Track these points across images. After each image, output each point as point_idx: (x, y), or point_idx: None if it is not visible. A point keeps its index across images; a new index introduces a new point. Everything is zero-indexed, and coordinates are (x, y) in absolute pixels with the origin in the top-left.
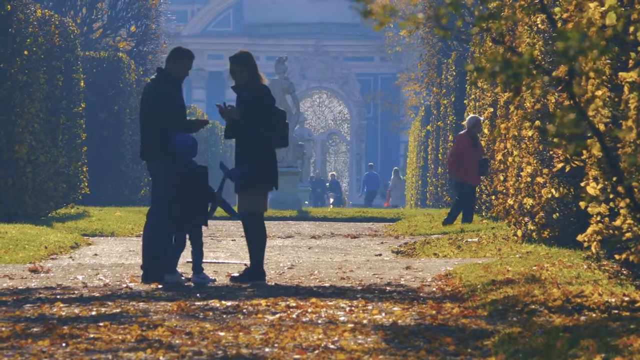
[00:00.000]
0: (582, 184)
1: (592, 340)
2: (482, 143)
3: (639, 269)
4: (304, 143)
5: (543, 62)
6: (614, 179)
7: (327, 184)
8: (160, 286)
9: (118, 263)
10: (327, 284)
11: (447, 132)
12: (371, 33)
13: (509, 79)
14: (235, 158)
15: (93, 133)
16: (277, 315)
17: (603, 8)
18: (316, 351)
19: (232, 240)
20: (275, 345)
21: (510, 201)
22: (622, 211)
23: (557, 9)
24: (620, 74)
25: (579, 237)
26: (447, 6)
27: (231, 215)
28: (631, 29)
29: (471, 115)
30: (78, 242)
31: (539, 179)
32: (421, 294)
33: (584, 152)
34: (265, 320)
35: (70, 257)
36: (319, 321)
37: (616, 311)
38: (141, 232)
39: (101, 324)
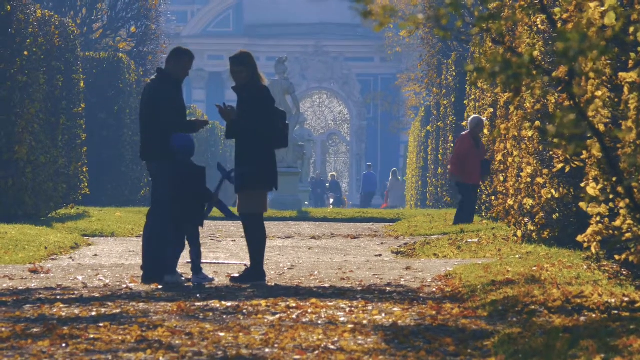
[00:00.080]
0: (582, 185)
1: (592, 340)
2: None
3: (638, 269)
4: (304, 143)
5: (543, 63)
6: (614, 179)
7: (327, 185)
8: (160, 287)
9: (118, 263)
10: (327, 285)
11: (447, 132)
12: (371, 33)
13: (509, 80)
14: (235, 158)
15: (93, 133)
16: (277, 316)
17: (603, 8)
18: (316, 352)
19: (232, 240)
20: (276, 345)
21: (510, 201)
22: (622, 212)
23: (557, 10)
24: (620, 74)
25: (579, 238)
26: (447, 7)
27: (227, 216)
28: (631, 29)
29: (473, 115)
30: (78, 243)
31: (539, 180)
32: (421, 295)
33: (584, 152)
34: (266, 320)
35: (70, 258)
36: (319, 322)
37: (616, 312)
38: (141, 233)
39: (101, 324)
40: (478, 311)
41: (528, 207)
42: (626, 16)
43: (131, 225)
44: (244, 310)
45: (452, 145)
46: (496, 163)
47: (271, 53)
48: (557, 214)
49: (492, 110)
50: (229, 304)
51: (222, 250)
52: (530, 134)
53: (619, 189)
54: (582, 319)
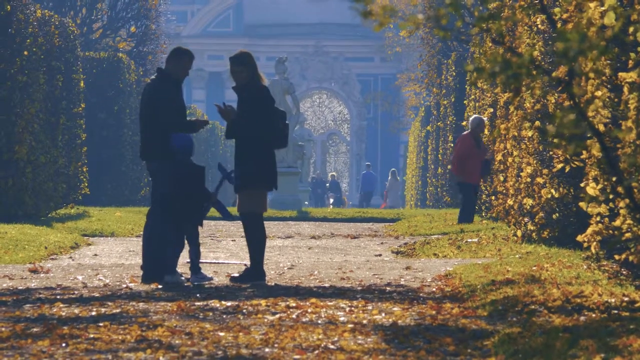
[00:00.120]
0: (582, 185)
1: (592, 340)
2: None
3: (638, 269)
4: (303, 143)
5: (543, 63)
6: (614, 179)
7: (327, 185)
8: (160, 286)
9: (118, 263)
10: (327, 284)
11: (447, 132)
12: (371, 33)
13: (508, 80)
14: (235, 158)
15: (93, 133)
16: (277, 316)
17: (603, 8)
18: (316, 351)
19: (232, 240)
20: (275, 345)
21: (510, 201)
22: (621, 211)
23: (557, 10)
24: (620, 74)
25: (579, 238)
26: (447, 7)
27: (224, 216)
28: (631, 29)
29: (474, 115)
30: (78, 243)
31: (539, 179)
32: (421, 294)
33: (584, 152)
34: (265, 320)
35: (70, 258)
36: (319, 321)
37: (616, 311)
38: (141, 233)
39: (101, 324)
40: (478, 311)
41: (528, 207)
42: (626, 16)
43: (131, 225)
44: (244, 310)
45: (452, 145)
46: (496, 163)
47: (271, 53)
48: (557, 214)
49: (492, 110)
50: (228, 303)
51: (222, 250)
52: (530, 134)
53: (619, 188)
54: (582, 318)
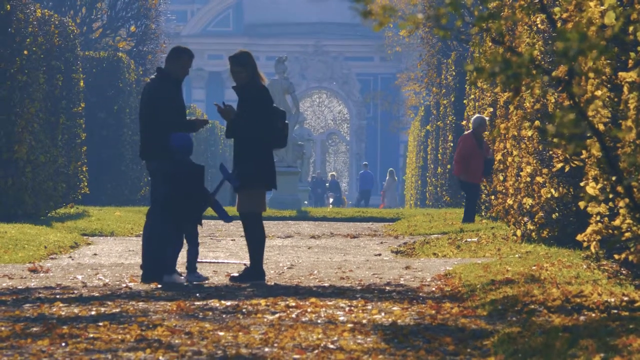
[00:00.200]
0: (582, 184)
1: (592, 340)
2: None
3: (638, 268)
4: (303, 143)
5: (543, 62)
6: (614, 178)
7: (327, 184)
8: (159, 286)
9: (117, 263)
10: (326, 284)
11: (447, 132)
12: (371, 33)
13: (508, 79)
14: (234, 158)
15: (93, 133)
16: (277, 315)
17: (603, 8)
18: (315, 351)
19: (232, 240)
20: (275, 345)
21: (509, 201)
22: (621, 211)
23: (556, 9)
24: (619, 74)
25: (579, 237)
26: (447, 6)
27: (221, 217)
28: (631, 28)
29: (476, 115)
30: (77, 242)
31: (539, 179)
32: (420, 294)
33: (584, 152)
34: (265, 320)
35: (70, 257)
36: (319, 321)
37: (615, 311)
38: (141, 232)
39: (101, 323)
40: (477, 310)
41: (527, 207)
42: (626, 16)
43: (131, 224)
44: (244, 310)
45: (452, 144)
46: (496, 162)
47: (271, 52)
48: (557, 214)
49: (491, 109)
50: (228, 303)
51: (222, 249)
52: (529, 133)
53: (619, 188)
54: (582, 318)
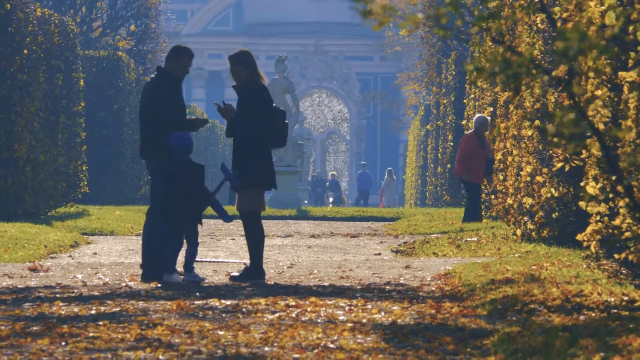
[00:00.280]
0: (582, 184)
1: (591, 339)
2: None
3: (638, 268)
4: (303, 142)
5: (543, 62)
6: (614, 178)
7: (327, 184)
8: (159, 285)
9: (117, 262)
10: (326, 283)
11: (447, 131)
12: (371, 32)
13: (508, 79)
14: (233, 157)
15: (93, 132)
16: (277, 315)
17: (603, 7)
18: (315, 350)
19: (232, 239)
20: (275, 344)
21: (509, 200)
22: (621, 210)
23: (556, 9)
24: (619, 73)
25: (579, 237)
26: (447, 6)
27: (221, 216)
28: (631, 28)
29: (478, 115)
30: (77, 241)
31: (539, 179)
32: (420, 293)
33: (584, 151)
34: (265, 319)
35: (70, 256)
36: (319, 320)
37: (615, 310)
38: (141, 231)
39: (100, 322)
40: (477, 310)
41: (527, 206)
42: (626, 15)
43: (131, 223)
44: (244, 309)
45: (452, 144)
46: (496, 162)
47: (271, 52)
48: (557, 213)
49: (491, 109)
50: (228, 302)
51: (222, 248)
52: (529, 133)
53: (619, 188)
54: (582, 317)
